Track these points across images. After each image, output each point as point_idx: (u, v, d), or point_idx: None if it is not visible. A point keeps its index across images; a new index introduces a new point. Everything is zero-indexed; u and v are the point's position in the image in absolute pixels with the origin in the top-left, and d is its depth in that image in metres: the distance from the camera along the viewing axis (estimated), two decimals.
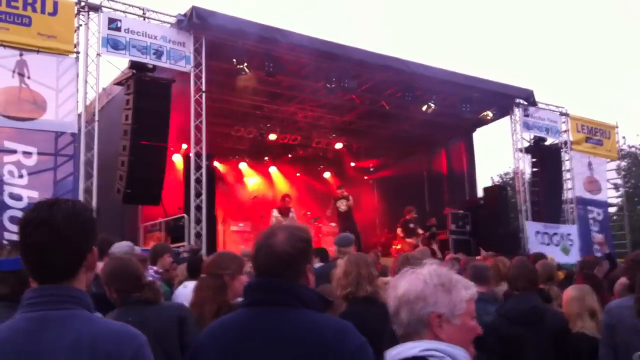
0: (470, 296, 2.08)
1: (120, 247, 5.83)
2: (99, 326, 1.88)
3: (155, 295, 3.77)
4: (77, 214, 1.94)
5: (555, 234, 17.34)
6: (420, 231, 16.88)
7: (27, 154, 10.67)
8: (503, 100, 17.72)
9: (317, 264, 7.04)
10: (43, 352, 1.78)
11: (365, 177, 23.66)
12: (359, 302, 4.05)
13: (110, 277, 3.83)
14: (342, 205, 15.82)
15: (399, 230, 17.03)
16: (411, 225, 16.91)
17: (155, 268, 5.90)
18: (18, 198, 10.29)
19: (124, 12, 12.04)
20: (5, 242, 7.86)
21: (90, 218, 2.00)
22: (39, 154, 10.82)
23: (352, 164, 22.75)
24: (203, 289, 3.87)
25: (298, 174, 21.90)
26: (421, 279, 2.05)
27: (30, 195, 10.34)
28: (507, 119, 18.26)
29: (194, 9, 12.37)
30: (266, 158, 21.13)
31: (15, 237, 8.80)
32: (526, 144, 18.23)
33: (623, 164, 29.51)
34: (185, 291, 6.45)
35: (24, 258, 1.91)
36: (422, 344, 1.97)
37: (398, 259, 7.00)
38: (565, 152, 18.77)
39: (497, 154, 44.27)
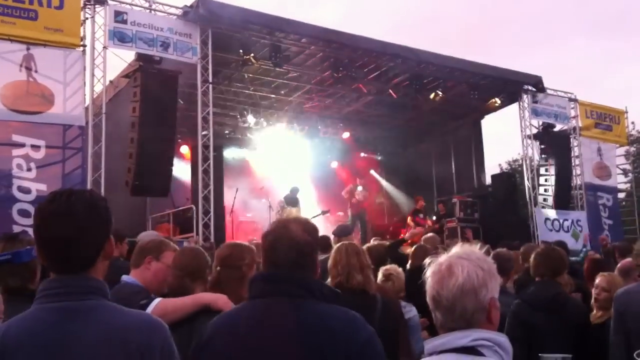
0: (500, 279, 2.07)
1: (148, 235, 5.96)
2: (127, 317, 1.87)
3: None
4: (96, 204, 1.93)
5: (565, 220, 17.28)
6: (429, 221, 16.91)
7: (35, 147, 10.70)
8: (511, 87, 17.64)
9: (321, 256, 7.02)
10: (75, 344, 1.75)
11: (373, 166, 23.60)
12: (347, 292, 3.97)
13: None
14: (359, 195, 15.86)
15: (409, 220, 17.06)
16: (421, 215, 16.95)
17: None
18: (27, 191, 10.33)
19: (130, 4, 12.03)
20: None
21: (107, 207, 1.99)
22: (47, 147, 10.85)
23: (360, 154, 22.70)
24: (223, 282, 3.76)
25: (305, 165, 21.85)
26: (478, 265, 1.97)
27: (39, 188, 10.38)
28: (515, 105, 18.15)
29: (200, 0, 12.35)
30: (274, 148, 21.09)
31: (22, 229, 8.84)
32: (535, 131, 18.13)
33: (632, 149, 29.32)
34: None
35: (44, 251, 1.88)
36: (472, 333, 1.90)
37: (415, 250, 7.03)
38: (574, 138, 18.66)
39: (505, 141, 44.11)
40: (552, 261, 4.87)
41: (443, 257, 2.04)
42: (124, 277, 3.66)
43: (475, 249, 2.08)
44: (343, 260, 4.11)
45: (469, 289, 1.93)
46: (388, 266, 5.36)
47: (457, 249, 2.06)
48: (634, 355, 3.47)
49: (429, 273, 2.04)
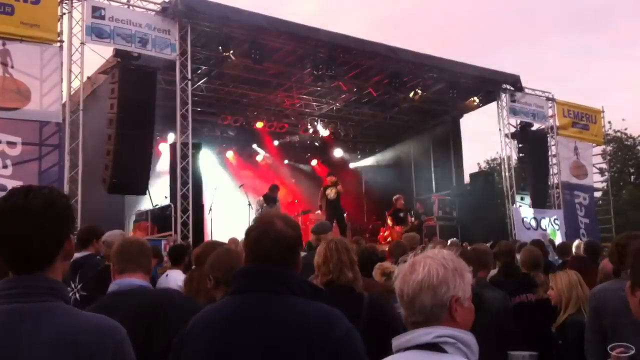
0: (471, 279, 2.11)
1: (114, 235, 5.84)
2: (79, 320, 1.83)
3: None
4: (54, 201, 1.89)
5: (542, 218, 17.44)
6: (410, 220, 16.95)
7: (11, 144, 10.57)
8: (490, 86, 17.78)
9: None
10: (22, 347, 1.73)
11: (353, 164, 23.64)
12: (336, 289, 3.88)
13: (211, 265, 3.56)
14: (331, 193, 15.76)
15: (389, 219, 17.10)
16: (401, 215, 16.99)
17: None
18: (3, 188, 10.14)
19: None
20: None
21: (67, 205, 1.95)
22: (23, 143, 10.71)
23: (340, 151, 22.73)
24: (195, 279, 3.71)
25: (285, 162, 21.86)
26: (441, 264, 2.03)
27: (15, 185, 10.12)
28: (493, 104, 18.29)
29: None
30: (253, 146, 21.06)
31: None
32: (513, 130, 18.27)
33: (609, 148, 29.67)
34: (167, 280, 6.40)
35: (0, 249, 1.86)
36: (435, 330, 1.95)
37: (391, 246, 7.04)
38: (552, 137, 18.85)
39: (484, 139, 44.39)
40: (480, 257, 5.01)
41: (411, 256, 2.12)
42: (143, 283, 3.21)
43: (448, 250, 2.13)
44: (334, 257, 4.00)
45: (427, 285, 1.99)
46: (386, 264, 5.31)
47: (429, 249, 2.13)
48: (607, 349, 3.51)
49: (396, 272, 2.12)
